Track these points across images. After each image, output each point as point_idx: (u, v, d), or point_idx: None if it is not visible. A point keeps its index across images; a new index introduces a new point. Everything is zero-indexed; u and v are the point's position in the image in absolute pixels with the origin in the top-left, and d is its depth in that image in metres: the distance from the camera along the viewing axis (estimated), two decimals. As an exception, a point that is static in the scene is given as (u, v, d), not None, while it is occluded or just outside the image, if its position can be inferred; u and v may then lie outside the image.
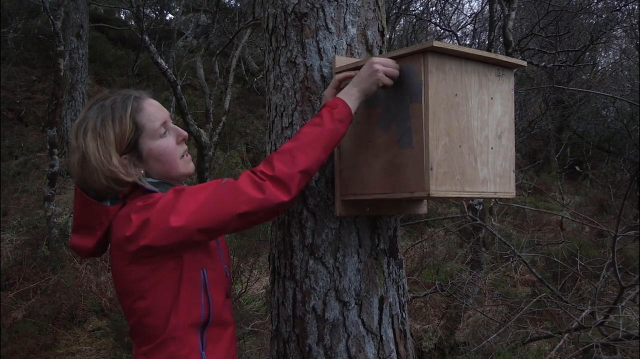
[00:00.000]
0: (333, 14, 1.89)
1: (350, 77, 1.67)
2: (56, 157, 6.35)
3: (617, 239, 3.73)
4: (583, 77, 12.60)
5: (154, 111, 1.52)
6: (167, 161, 1.53)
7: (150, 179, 1.53)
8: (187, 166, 1.59)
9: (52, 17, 6.48)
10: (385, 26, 2.04)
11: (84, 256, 1.56)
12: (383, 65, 1.58)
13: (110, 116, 1.46)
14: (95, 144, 1.44)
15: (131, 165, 1.50)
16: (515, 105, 1.85)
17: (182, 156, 1.58)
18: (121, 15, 16.15)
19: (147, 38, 7.51)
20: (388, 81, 1.59)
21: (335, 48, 1.89)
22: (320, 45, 1.89)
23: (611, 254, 3.81)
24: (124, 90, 1.55)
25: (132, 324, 1.53)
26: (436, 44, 1.54)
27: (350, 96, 1.59)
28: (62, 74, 6.84)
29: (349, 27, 1.91)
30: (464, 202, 5.48)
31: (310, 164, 1.46)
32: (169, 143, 1.53)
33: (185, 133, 1.59)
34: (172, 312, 1.48)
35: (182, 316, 1.48)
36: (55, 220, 6.30)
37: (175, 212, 1.38)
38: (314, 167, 1.49)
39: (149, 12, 14.54)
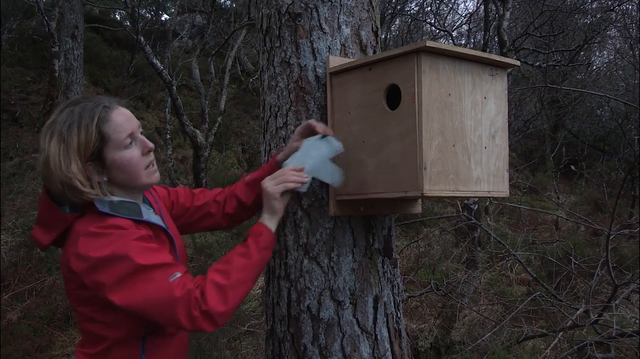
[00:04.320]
0: (327, 14, 1.90)
1: (312, 128, 1.75)
2: (51, 158, 6.32)
3: (611, 237, 3.74)
4: (578, 76, 12.65)
5: (121, 122, 1.52)
6: (130, 171, 1.54)
7: (114, 197, 1.53)
8: (151, 176, 1.60)
9: (46, 17, 6.47)
10: (379, 26, 2.05)
11: (42, 249, 1.61)
12: (281, 182, 1.65)
13: (77, 122, 1.47)
14: (58, 149, 1.46)
15: (95, 172, 1.51)
16: (510, 104, 1.86)
17: (148, 166, 1.58)
18: (116, 16, 16.11)
19: (142, 39, 7.50)
20: (295, 186, 1.67)
21: (329, 48, 1.90)
22: (314, 46, 1.89)
23: (605, 253, 3.82)
24: (97, 97, 1.55)
25: (78, 322, 1.58)
26: (429, 43, 1.55)
27: (271, 221, 1.64)
28: (57, 74, 6.83)
29: (343, 27, 1.92)
30: (459, 202, 5.49)
31: (240, 298, 1.50)
32: (133, 154, 1.53)
33: (152, 145, 1.60)
34: (114, 324, 1.52)
35: (123, 329, 1.52)
36: (50, 221, 6.27)
37: (120, 291, 1.41)
38: (243, 298, 1.54)
39: (144, 12, 14.52)
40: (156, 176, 1.62)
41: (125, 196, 1.56)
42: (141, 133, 1.59)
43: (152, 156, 1.60)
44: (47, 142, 1.47)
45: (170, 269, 1.44)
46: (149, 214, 1.58)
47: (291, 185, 1.66)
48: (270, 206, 1.65)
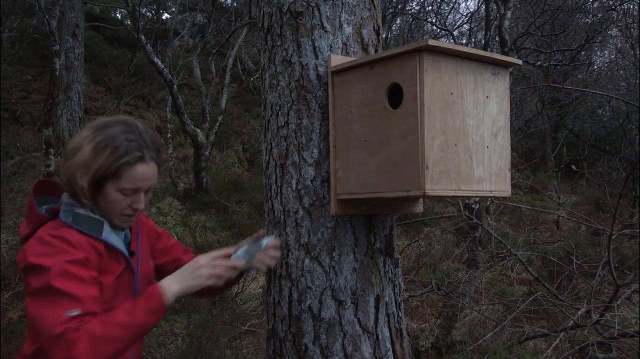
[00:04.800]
0: (328, 13, 1.89)
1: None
2: (52, 157, 6.33)
3: (613, 237, 3.74)
4: (579, 76, 12.64)
5: (138, 176, 1.58)
6: (109, 208, 1.60)
7: (81, 211, 1.59)
8: (123, 223, 1.65)
9: (47, 16, 6.46)
10: (380, 25, 2.04)
11: (20, 240, 1.67)
12: (210, 267, 1.62)
13: (112, 148, 1.55)
14: (88, 155, 1.55)
15: (87, 191, 1.57)
16: (511, 104, 1.85)
17: (126, 214, 1.63)
18: (117, 14, 16.12)
19: (143, 37, 7.49)
20: (216, 281, 1.62)
21: (331, 47, 1.89)
22: (316, 44, 1.88)
23: (607, 253, 3.82)
24: (144, 136, 1.61)
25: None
26: (431, 42, 1.54)
27: (170, 291, 1.55)
28: (57, 73, 6.82)
29: (345, 25, 1.91)
30: (460, 201, 5.48)
31: (110, 354, 1.46)
32: (121, 201, 1.59)
33: (142, 207, 1.64)
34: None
35: None
36: (51, 220, 6.27)
37: (30, 300, 1.48)
38: (114, 355, 1.49)
39: (145, 11, 14.51)
40: (128, 224, 1.68)
41: (99, 215, 1.62)
42: (146, 193, 1.65)
43: (137, 213, 1.65)
44: (86, 140, 1.56)
45: (74, 304, 1.44)
46: (110, 234, 1.61)
47: (219, 278, 1.64)
48: (186, 275, 1.59)
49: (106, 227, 1.60)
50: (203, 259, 1.63)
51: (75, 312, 1.43)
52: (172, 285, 1.56)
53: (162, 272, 1.79)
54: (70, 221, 1.56)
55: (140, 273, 1.71)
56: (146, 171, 1.60)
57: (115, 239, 1.62)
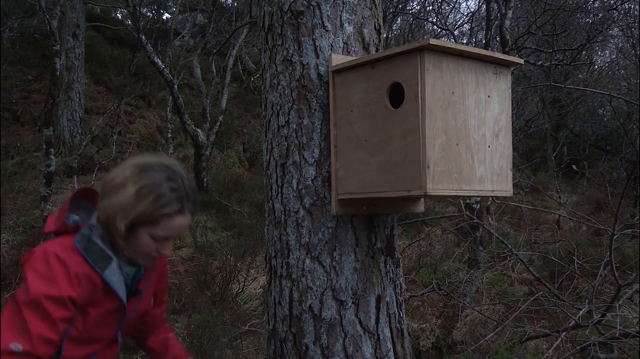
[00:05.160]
0: (329, 12, 1.88)
1: None
2: (52, 157, 6.32)
3: (614, 237, 3.73)
4: (580, 76, 12.63)
5: (175, 227, 1.59)
6: (137, 250, 1.60)
7: (98, 241, 1.59)
8: (145, 262, 1.66)
9: (48, 16, 6.46)
10: (381, 24, 2.03)
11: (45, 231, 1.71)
12: None
13: (155, 197, 1.54)
14: (130, 199, 1.53)
15: (123, 234, 1.57)
16: (512, 104, 1.85)
17: (151, 256, 1.64)
18: (118, 14, 16.12)
19: (143, 37, 7.49)
20: None
21: (332, 46, 1.88)
22: (317, 44, 1.88)
23: (608, 253, 3.81)
24: (188, 183, 1.62)
25: None
26: (432, 41, 1.53)
27: None
28: (58, 73, 6.81)
29: (346, 25, 1.90)
30: (461, 201, 5.48)
31: None
32: (150, 245, 1.60)
33: (168, 253, 1.66)
34: None
35: None
36: (51, 220, 6.26)
37: (8, 305, 1.50)
38: None
39: (146, 11, 14.51)
40: (149, 263, 1.68)
41: (117, 253, 1.62)
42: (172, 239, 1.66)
43: (160, 255, 1.65)
44: (130, 182, 1.54)
45: (23, 339, 1.44)
46: (113, 274, 1.60)
47: None
48: None
49: (113, 265, 1.60)
50: None
51: (19, 348, 1.43)
52: None
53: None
54: (81, 248, 1.56)
55: (138, 310, 1.71)
56: (183, 223, 1.60)
57: (117, 281, 1.61)
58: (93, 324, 1.59)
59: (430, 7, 11.09)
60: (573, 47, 8.50)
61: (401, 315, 1.99)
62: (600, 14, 9.81)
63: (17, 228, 6.66)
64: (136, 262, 1.65)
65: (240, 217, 8.08)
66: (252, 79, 13.67)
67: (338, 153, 1.82)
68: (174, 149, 9.50)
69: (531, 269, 4.64)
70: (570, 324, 3.92)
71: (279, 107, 1.94)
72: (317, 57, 1.88)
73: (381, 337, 1.89)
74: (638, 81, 11.06)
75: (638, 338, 3.51)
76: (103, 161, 8.62)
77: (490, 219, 7.96)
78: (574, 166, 10.22)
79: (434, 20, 10.85)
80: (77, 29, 9.91)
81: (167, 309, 1.72)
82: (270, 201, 1.99)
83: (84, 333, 1.57)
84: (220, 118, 9.14)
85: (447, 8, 11.77)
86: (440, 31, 10.96)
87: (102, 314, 1.60)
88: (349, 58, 1.85)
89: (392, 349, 1.91)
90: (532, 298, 4.27)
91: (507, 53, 6.01)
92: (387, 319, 1.92)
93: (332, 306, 1.84)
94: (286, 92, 1.91)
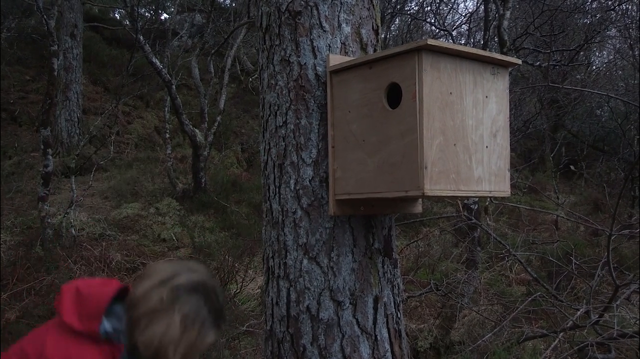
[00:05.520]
0: (327, 13, 1.88)
1: None
2: (50, 157, 6.31)
3: (612, 238, 3.73)
4: (577, 76, 12.64)
5: (206, 344, 1.57)
6: None
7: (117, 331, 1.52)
8: None
9: (45, 16, 6.44)
10: (379, 24, 2.03)
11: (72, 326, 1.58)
12: None
13: (200, 324, 1.52)
14: (178, 330, 1.50)
15: None
16: (510, 104, 1.85)
17: None
18: (116, 14, 16.10)
19: (141, 38, 7.48)
20: None
21: (330, 46, 1.88)
22: (314, 44, 1.88)
23: (606, 253, 3.81)
24: (222, 298, 1.60)
25: None
26: (430, 42, 1.53)
27: None
28: (56, 73, 6.80)
29: (343, 25, 1.90)
30: (459, 202, 5.48)
31: None
32: None
33: None
34: None
35: None
36: (49, 220, 6.25)
37: None
38: None
39: (144, 11, 14.50)
40: None
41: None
42: None
43: None
44: (171, 311, 1.49)
45: None
46: None
47: None
48: None
49: None
50: None
51: None
52: None
53: None
54: (111, 333, 1.49)
55: None
56: (215, 339, 1.60)
57: None
58: None
59: (429, 8, 11.10)
60: (571, 48, 8.52)
61: (399, 316, 1.99)
62: (598, 15, 9.83)
63: (15, 228, 6.65)
64: None
65: (238, 217, 8.07)
66: (250, 79, 13.66)
67: (336, 153, 1.82)
68: (172, 149, 9.49)
69: (529, 269, 4.64)
70: (568, 325, 3.92)
71: (276, 108, 1.93)
72: (315, 58, 1.87)
73: (379, 337, 1.89)
74: (635, 82, 11.08)
75: (635, 338, 3.51)
76: (101, 161, 8.60)
77: (488, 219, 7.96)
78: (571, 167, 10.25)
79: (432, 20, 10.86)
80: (75, 29, 9.90)
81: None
82: (268, 202, 1.98)
83: None
84: (219, 118, 9.13)
85: (445, 8, 11.79)
86: (439, 32, 10.97)
87: None
88: (346, 58, 1.85)
89: (389, 350, 1.91)
90: (529, 299, 4.27)
91: (505, 53, 6.02)
92: (385, 319, 1.92)
93: (329, 307, 1.84)
94: (284, 92, 1.91)
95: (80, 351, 1.45)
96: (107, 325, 1.49)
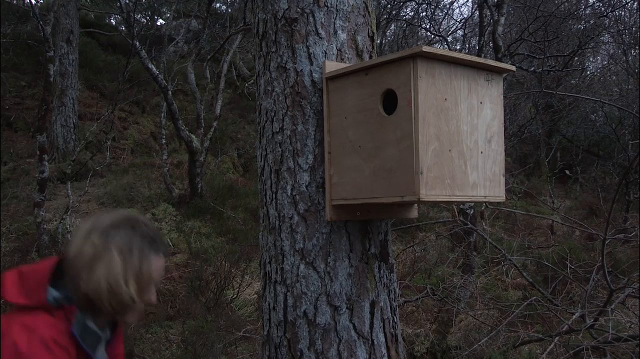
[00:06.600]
0: (323, 19, 1.90)
1: None
2: (46, 163, 6.30)
3: (607, 242, 3.75)
4: (572, 81, 12.72)
5: (158, 270, 1.58)
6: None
7: (90, 324, 1.54)
8: (134, 317, 1.63)
9: (41, 22, 6.45)
10: (375, 31, 2.05)
11: (5, 298, 1.60)
12: None
13: (139, 248, 1.54)
14: (120, 262, 1.51)
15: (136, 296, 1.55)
16: (505, 109, 1.87)
17: (141, 310, 1.62)
18: (112, 20, 16.12)
19: (137, 43, 7.49)
20: None
21: (326, 53, 1.90)
22: (311, 51, 1.89)
23: (601, 257, 3.83)
24: (151, 226, 1.60)
25: None
26: (425, 48, 1.55)
27: None
28: (52, 79, 6.81)
29: (339, 32, 1.92)
30: (455, 207, 5.50)
31: None
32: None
33: (155, 301, 1.63)
34: None
35: None
36: (45, 226, 6.25)
37: None
38: None
39: (140, 17, 14.51)
40: (136, 318, 1.64)
41: (97, 322, 1.58)
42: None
43: (148, 303, 1.64)
44: (107, 249, 1.50)
45: None
46: (102, 356, 1.59)
47: None
48: None
49: (102, 343, 1.59)
50: None
51: None
52: None
53: None
54: (78, 336, 1.51)
55: None
56: (162, 265, 1.60)
57: (102, 355, 1.60)
58: None
59: (424, 14, 11.17)
60: (565, 54, 8.58)
61: (395, 320, 2.00)
62: (591, 21, 9.90)
63: (10, 235, 6.63)
64: (116, 323, 1.64)
65: (235, 223, 8.07)
66: (246, 85, 13.68)
67: (332, 159, 1.83)
68: (168, 154, 9.49)
69: (525, 274, 4.66)
70: (564, 329, 3.94)
71: (273, 114, 1.95)
72: (311, 64, 1.89)
73: (375, 342, 1.90)
74: (629, 87, 11.15)
75: (630, 342, 3.53)
76: (97, 167, 8.60)
77: (484, 224, 7.99)
78: (567, 171, 10.29)
79: (428, 26, 10.92)
80: (71, 35, 9.91)
81: (162, 315, 1.71)
82: (265, 207, 1.99)
83: None
84: (215, 124, 9.14)
85: (440, 14, 11.86)
86: (434, 37, 11.03)
87: None
88: (342, 65, 1.87)
89: (386, 355, 1.92)
90: (525, 303, 4.29)
91: (500, 59, 6.06)
92: (382, 324, 1.93)
93: (326, 312, 1.85)
94: (280, 98, 1.92)
95: (33, 319, 1.47)
96: (54, 293, 1.51)
